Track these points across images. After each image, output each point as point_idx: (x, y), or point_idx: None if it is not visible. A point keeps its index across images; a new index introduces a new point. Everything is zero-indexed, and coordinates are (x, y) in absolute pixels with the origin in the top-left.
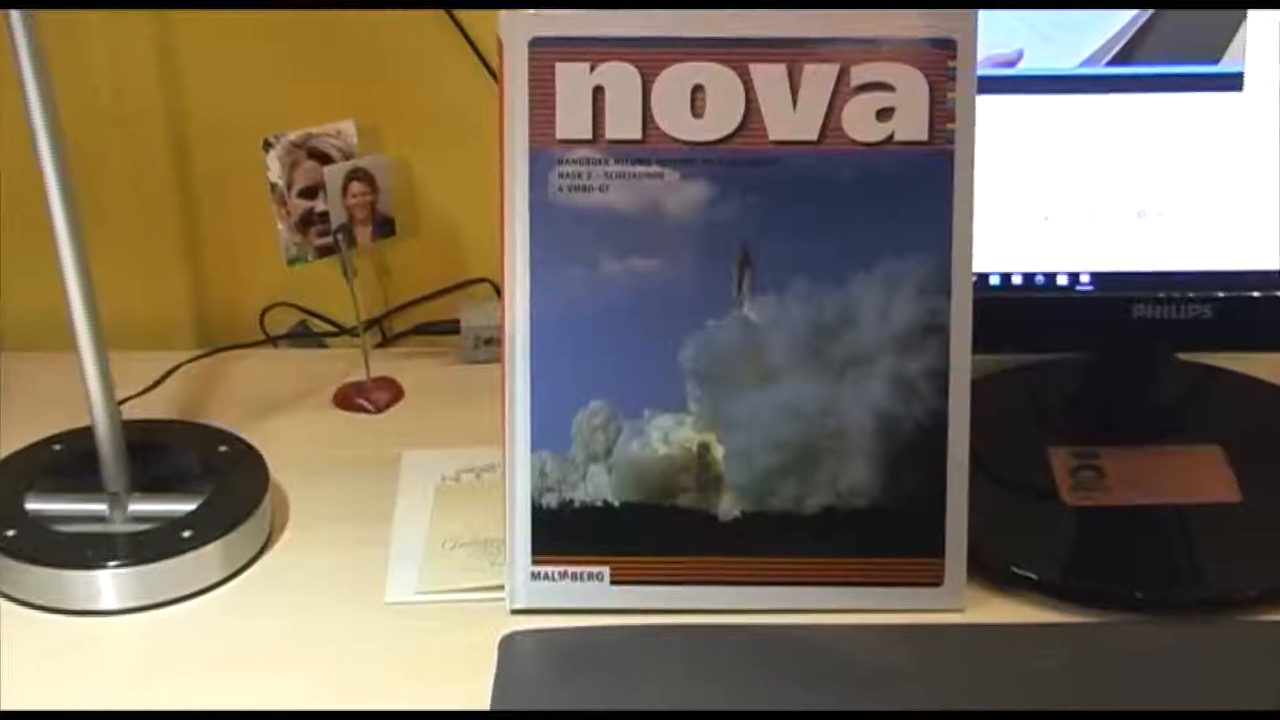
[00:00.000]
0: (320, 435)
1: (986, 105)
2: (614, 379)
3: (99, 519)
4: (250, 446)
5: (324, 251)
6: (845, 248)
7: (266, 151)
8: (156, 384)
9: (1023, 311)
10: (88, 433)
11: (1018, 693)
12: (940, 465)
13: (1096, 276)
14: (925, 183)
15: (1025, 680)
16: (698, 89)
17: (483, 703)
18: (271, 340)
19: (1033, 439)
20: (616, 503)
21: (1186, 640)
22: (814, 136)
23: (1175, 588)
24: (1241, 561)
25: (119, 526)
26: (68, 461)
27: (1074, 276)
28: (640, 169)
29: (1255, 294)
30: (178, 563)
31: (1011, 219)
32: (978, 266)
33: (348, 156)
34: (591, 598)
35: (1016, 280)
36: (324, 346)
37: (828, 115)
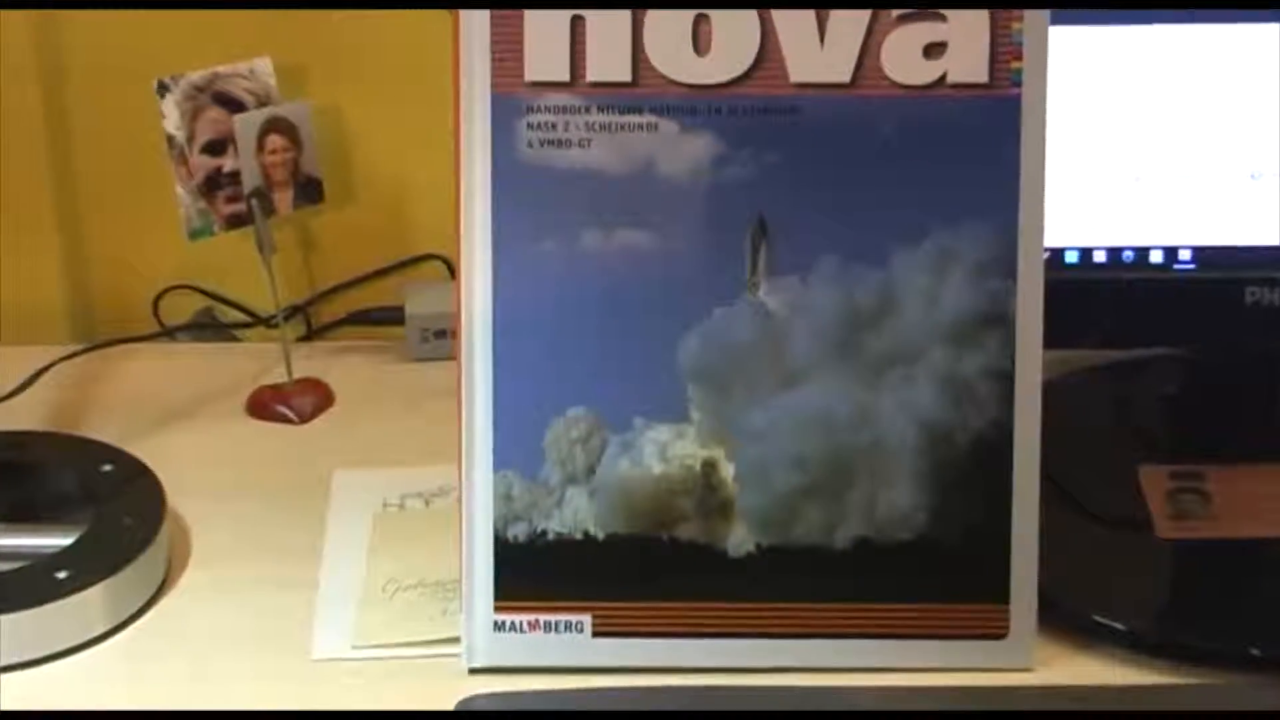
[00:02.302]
0: (230, 451)
1: (1061, 38)
2: (597, 381)
3: None
4: (142, 465)
5: (234, 222)
6: (885, 217)
7: (162, 97)
8: (23, 387)
9: (1107, 296)
10: None
11: None
12: (1003, 488)
13: (1199, 252)
14: (985, 136)
15: None
16: (701, 20)
17: None
18: (168, 332)
19: (1119, 455)
20: (600, 534)
21: None
22: (846, 78)
23: None
24: None
25: None
26: None
27: (1171, 252)
28: (630, 119)
29: None
30: (50, 611)
31: (1093, 181)
32: (1051, 240)
33: (264, 103)
34: (569, 653)
35: (1099, 257)
36: (235, 340)
37: (863, 52)
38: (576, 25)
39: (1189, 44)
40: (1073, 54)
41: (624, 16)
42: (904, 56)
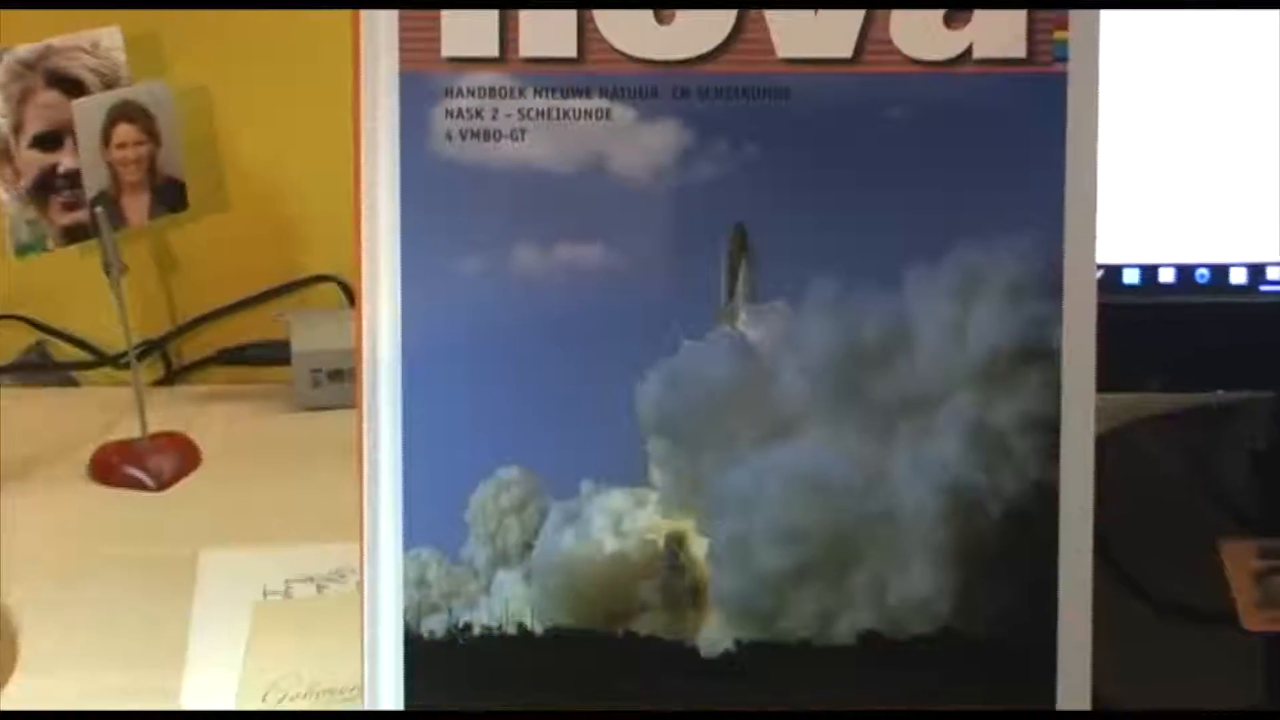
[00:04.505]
0: (68, 524)
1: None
2: (534, 435)
3: None
4: None
5: (73, 235)
6: (896, 228)
7: None
8: None
9: (1178, 325)
10: None
11: None
12: (1047, 569)
13: None
14: (1021, 124)
15: None
16: None
17: None
18: None
19: (1194, 527)
20: (538, 629)
21: None
22: (846, 53)
23: None
24: None
25: None
26: None
27: (1257, 270)
28: (575, 104)
29: None
30: None
31: (1159, 182)
32: (1105, 255)
33: (110, 84)
34: None
35: (1166, 276)
36: (73, 384)
37: (868, 20)
38: None
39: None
40: (1131, 23)
41: None
42: (919, 26)
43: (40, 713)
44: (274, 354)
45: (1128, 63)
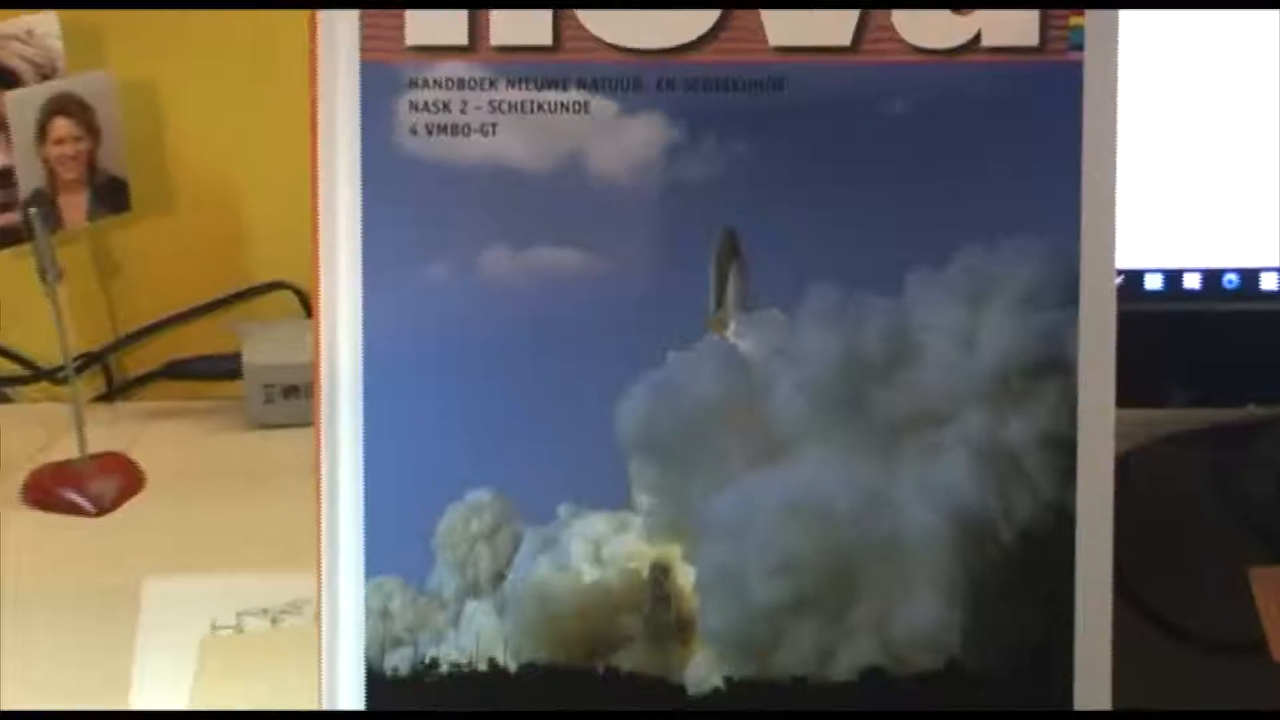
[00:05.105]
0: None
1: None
2: (508, 455)
3: None
4: None
5: (6, 238)
6: (898, 229)
7: None
8: None
9: (1204, 335)
10: None
11: None
12: (1064, 599)
13: None
14: (1035, 118)
15: None
16: None
17: None
18: None
19: (1222, 554)
20: (512, 665)
21: None
22: (845, 40)
23: None
24: None
25: None
26: None
27: None
28: (550, 96)
29: None
30: None
31: (1183, 181)
32: (1125, 260)
33: (47, 75)
34: None
35: (1191, 282)
36: (6, 400)
37: (867, 5)
38: None
39: None
40: (1164, 14)
41: None
42: (923, 11)
43: (40, 713)
44: (224, 368)
45: (1148, 49)
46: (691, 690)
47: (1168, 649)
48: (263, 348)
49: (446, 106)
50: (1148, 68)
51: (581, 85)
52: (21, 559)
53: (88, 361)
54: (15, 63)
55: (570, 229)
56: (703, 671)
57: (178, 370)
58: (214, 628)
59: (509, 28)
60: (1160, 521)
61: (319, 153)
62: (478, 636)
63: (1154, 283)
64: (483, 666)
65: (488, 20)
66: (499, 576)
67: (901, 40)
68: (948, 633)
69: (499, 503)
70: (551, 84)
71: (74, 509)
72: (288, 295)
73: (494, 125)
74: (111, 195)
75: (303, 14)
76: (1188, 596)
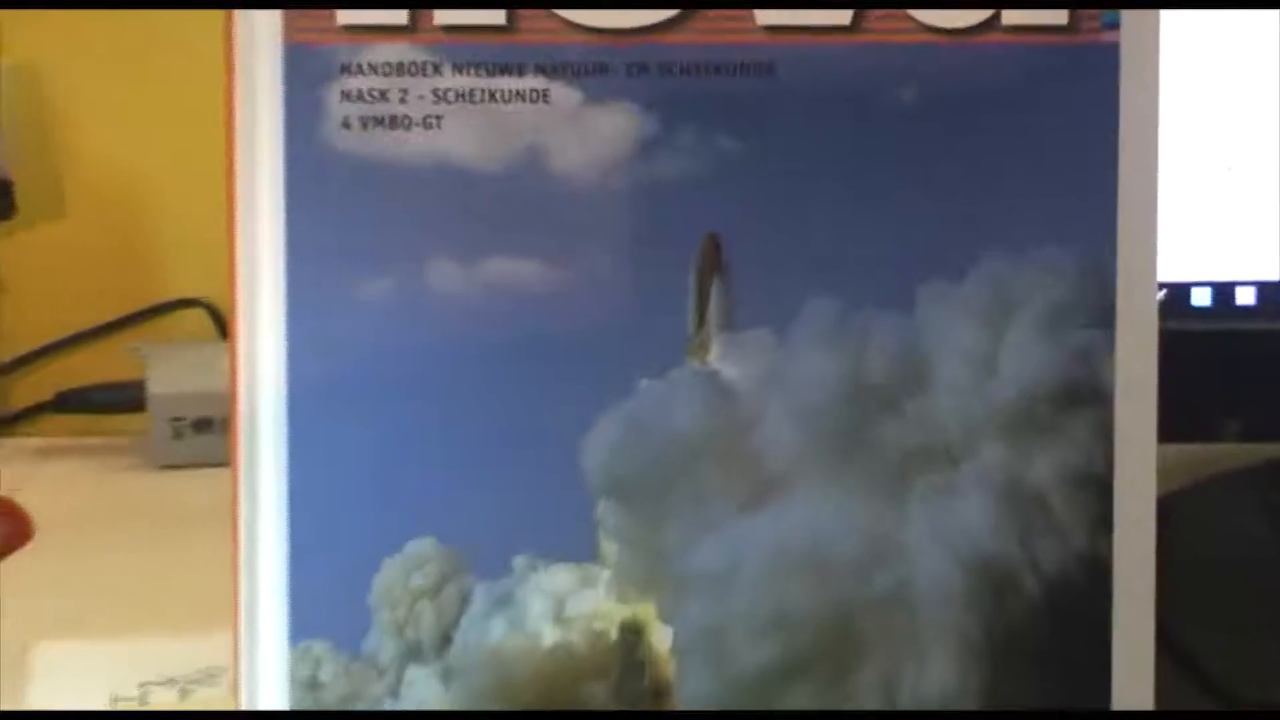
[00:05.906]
0: None
1: None
2: (455, 499)
3: None
4: None
5: None
6: (907, 237)
7: None
8: None
9: (1259, 358)
10: None
11: None
12: (1098, 659)
13: None
14: (1064, 109)
15: None
16: None
17: None
18: None
19: (1278, 606)
20: None
21: None
22: (844, 19)
23: None
24: None
25: None
26: None
27: None
28: (504, 84)
29: None
30: None
31: (1233, 182)
32: (1168, 273)
33: None
34: None
35: (1245, 298)
36: None
37: None
38: None
39: None
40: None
41: None
42: None
43: (40, 713)
44: (125, 397)
45: (1205, 36)
46: None
47: (1216, 714)
48: (170, 375)
49: (384, 95)
50: (1202, 51)
51: (540, 71)
52: None
53: None
54: None
55: (528, 237)
56: None
57: (71, 401)
58: (114, 699)
59: (456, 5)
60: (1209, 572)
61: (236, 150)
62: (420, 708)
63: (1202, 298)
64: None
65: None
66: (445, 639)
67: (909, 18)
68: (965, 699)
69: (445, 554)
70: (506, 69)
71: None
72: (199, 314)
73: (439, 117)
74: None
75: None
76: (1240, 657)
